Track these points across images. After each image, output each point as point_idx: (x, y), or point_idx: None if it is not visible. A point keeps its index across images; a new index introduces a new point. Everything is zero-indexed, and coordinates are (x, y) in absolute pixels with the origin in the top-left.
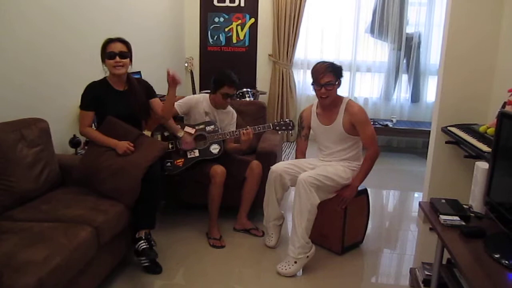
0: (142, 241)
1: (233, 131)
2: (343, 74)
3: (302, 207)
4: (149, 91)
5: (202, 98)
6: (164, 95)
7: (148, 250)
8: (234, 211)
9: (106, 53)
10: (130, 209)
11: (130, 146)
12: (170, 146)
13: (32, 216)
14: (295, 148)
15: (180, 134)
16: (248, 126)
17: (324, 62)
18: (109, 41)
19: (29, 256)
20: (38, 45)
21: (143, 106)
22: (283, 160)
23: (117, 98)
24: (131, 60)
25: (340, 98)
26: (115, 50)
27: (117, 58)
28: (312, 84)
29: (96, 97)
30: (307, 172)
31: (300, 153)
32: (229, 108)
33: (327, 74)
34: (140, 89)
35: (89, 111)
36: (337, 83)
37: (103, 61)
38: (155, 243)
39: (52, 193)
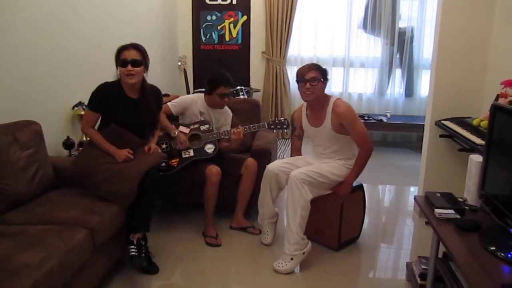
0: (133, 247)
1: (226, 131)
2: (328, 78)
3: (295, 204)
4: (159, 101)
5: (197, 98)
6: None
7: (135, 258)
8: (230, 209)
9: (120, 60)
10: (125, 210)
11: (130, 154)
12: (164, 146)
13: (27, 219)
14: (290, 146)
15: (174, 133)
16: (239, 126)
17: (308, 64)
18: (123, 48)
19: (24, 260)
20: (30, 46)
21: (152, 118)
22: (279, 158)
23: (127, 106)
24: (146, 68)
25: (327, 98)
26: (127, 58)
27: (129, 67)
28: (297, 82)
29: (106, 100)
30: (299, 168)
31: (295, 151)
32: (225, 107)
33: (312, 70)
34: (152, 99)
35: (96, 112)
36: (322, 80)
37: (116, 67)
38: (145, 248)
39: (46, 196)
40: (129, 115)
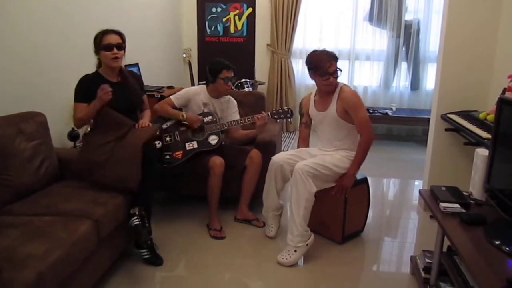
0: (135, 217)
1: (230, 122)
2: None
3: (299, 196)
4: (140, 83)
5: (200, 90)
6: (162, 87)
7: (140, 227)
8: (235, 202)
9: (102, 45)
10: (135, 193)
11: (107, 90)
12: (168, 138)
13: (32, 210)
14: (295, 138)
15: (183, 116)
16: (262, 111)
17: (322, 50)
18: (104, 33)
19: (29, 250)
20: (36, 38)
21: (138, 96)
22: (283, 150)
23: (112, 90)
24: (124, 52)
25: (336, 84)
26: (112, 42)
27: (115, 50)
28: (316, 72)
29: (90, 90)
30: (304, 161)
31: (303, 141)
32: (228, 96)
33: (332, 62)
34: (132, 80)
35: (84, 103)
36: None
37: (97, 52)
38: (148, 221)
39: (51, 187)
40: (116, 99)
